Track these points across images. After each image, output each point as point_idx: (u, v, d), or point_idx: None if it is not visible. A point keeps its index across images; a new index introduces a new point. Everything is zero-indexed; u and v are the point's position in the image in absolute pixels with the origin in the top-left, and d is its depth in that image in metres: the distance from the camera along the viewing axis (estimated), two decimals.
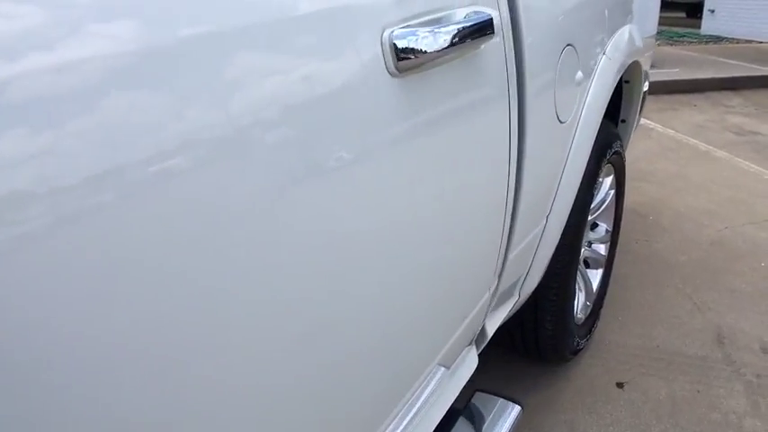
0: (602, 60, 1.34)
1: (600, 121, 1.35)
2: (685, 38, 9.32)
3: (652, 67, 6.37)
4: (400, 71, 0.62)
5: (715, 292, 2.29)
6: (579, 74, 1.20)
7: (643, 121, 4.62)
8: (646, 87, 2.46)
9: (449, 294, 0.92)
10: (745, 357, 1.93)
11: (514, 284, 1.31)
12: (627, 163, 3.77)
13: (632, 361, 1.93)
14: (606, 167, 1.87)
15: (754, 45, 8.65)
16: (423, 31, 0.64)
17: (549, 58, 1.06)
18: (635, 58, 1.72)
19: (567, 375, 1.86)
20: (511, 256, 1.14)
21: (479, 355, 1.24)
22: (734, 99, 5.54)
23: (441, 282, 0.88)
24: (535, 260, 1.31)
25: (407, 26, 0.63)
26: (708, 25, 9.93)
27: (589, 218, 1.89)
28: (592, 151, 1.50)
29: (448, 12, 0.71)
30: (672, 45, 8.42)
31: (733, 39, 9.18)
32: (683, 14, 13.66)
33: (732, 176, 3.47)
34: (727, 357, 1.94)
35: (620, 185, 2.00)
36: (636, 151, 3.92)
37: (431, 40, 0.64)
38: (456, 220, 0.85)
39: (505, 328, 1.62)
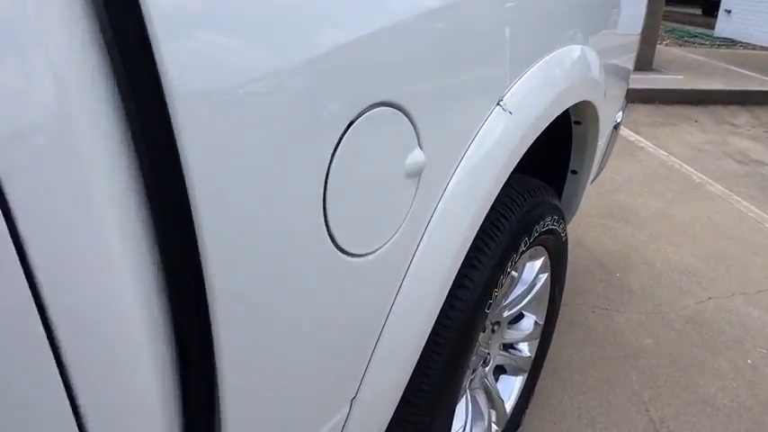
0: (493, 119, 0.74)
1: (476, 228, 0.75)
2: (697, 39, 8.61)
3: (653, 70, 5.72)
4: None
5: (681, 401, 1.72)
6: (417, 155, 0.60)
7: (633, 137, 4.02)
8: (619, 118, 1.86)
9: None
10: None
11: None
12: (603, 193, 3.17)
13: None
14: (534, 250, 1.28)
15: None
16: None
17: (292, 142, 0.46)
18: (585, 98, 1.12)
19: None
20: None
21: None
22: (741, 116, 4.91)
23: None
24: None
25: None
26: (722, 27, 9.19)
27: (508, 312, 1.32)
28: (481, 257, 0.91)
29: None
30: (680, 46, 7.72)
31: (748, 44, 8.46)
32: (698, 11, 12.88)
33: (726, 222, 2.88)
34: None
35: (557, 267, 1.41)
36: (618, 177, 3.32)
37: None
38: None
39: None
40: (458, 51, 0.64)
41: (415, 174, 0.61)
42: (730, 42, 8.56)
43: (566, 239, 1.38)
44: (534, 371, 1.52)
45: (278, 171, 0.46)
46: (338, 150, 0.51)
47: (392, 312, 0.65)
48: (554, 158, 1.53)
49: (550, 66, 0.90)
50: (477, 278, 0.94)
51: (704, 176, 3.45)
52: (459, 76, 0.65)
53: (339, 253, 0.54)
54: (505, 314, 1.31)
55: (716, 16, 9.65)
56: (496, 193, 0.79)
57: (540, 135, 0.94)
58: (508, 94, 0.77)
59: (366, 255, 0.58)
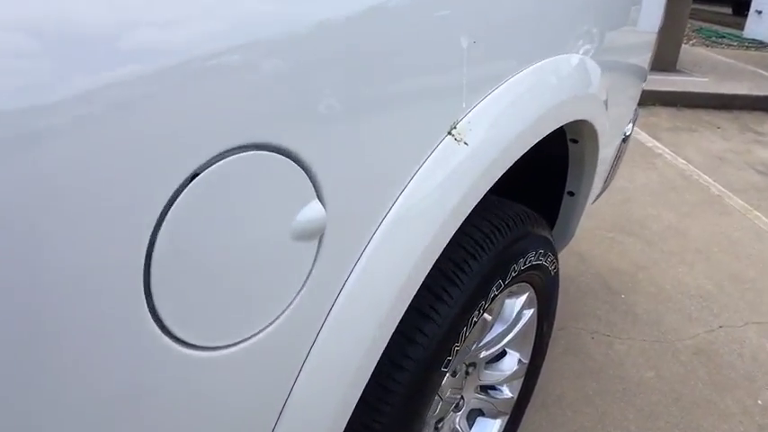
0: (441, 154, 0.58)
1: (411, 292, 0.60)
2: (725, 39, 8.28)
3: (677, 71, 5.47)
4: None
5: None
6: (313, 211, 0.45)
7: (651, 143, 3.82)
8: (629, 131, 1.68)
9: None
10: None
11: None
12: (614, 203, 2.97)
13: None
14: (516, 287, 1.12)
15: None
16: None
17: (92, 195, 0.31)
18: (579, 117, 0.95)
19: None
20: None
21: None
22: (767, 124, 4.66)
23: None
24: None
25: None
26: (752, 28, 8.82)
27: (485, 353, 1.16)
28: (440, 306, 0.76)
29: None
30: (707, 46, 7.41)
31: None
32: (728, 10, 12.44)
33: (744, 240, 2.69)
34: None
35: (545, 302, 1.24)
36: (631, 186, 3.12)
37: None
38: None
39: None
40: (386, 68, 0.49)
41: (313, 234, 0.46)
42: (759, 44, 8.21)
43: (556, 272, 1.22)
44: (517, 412, 1.37)
45: (66, 234, 0.31)
46: (172, 210, 0.36)
47: (282, 419, 0.50)
48: (549, 174, 1.36)
49: (529, 82, 0.74)
50: (432, 332, 0.79)
51: (723, 188, 3.24)
52: (387, 100, 0.49)
53: (177, 346, 0.40)
54: (482, 355, 1.16)
55: (746, 16, 9.27)
56: (446, 242, 0.63)
57: (529, 150, 0.79)
58: (464, 120, 0.61)
59: (228, 346, 0.43)
